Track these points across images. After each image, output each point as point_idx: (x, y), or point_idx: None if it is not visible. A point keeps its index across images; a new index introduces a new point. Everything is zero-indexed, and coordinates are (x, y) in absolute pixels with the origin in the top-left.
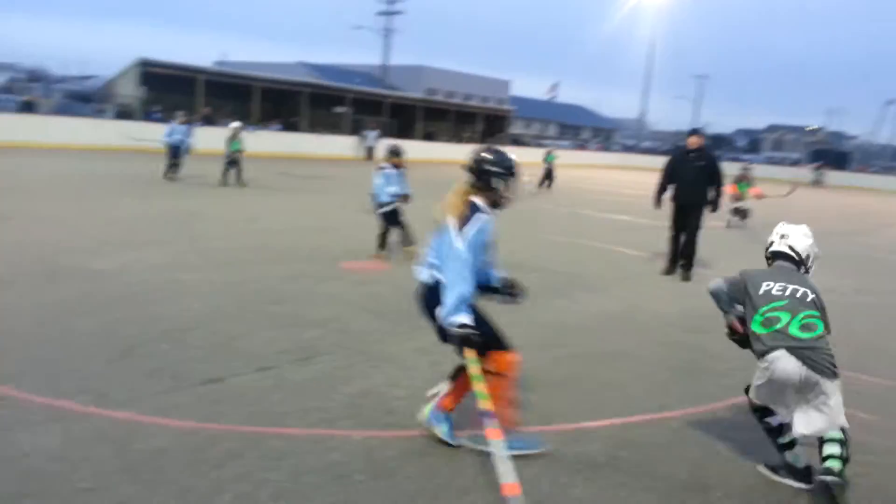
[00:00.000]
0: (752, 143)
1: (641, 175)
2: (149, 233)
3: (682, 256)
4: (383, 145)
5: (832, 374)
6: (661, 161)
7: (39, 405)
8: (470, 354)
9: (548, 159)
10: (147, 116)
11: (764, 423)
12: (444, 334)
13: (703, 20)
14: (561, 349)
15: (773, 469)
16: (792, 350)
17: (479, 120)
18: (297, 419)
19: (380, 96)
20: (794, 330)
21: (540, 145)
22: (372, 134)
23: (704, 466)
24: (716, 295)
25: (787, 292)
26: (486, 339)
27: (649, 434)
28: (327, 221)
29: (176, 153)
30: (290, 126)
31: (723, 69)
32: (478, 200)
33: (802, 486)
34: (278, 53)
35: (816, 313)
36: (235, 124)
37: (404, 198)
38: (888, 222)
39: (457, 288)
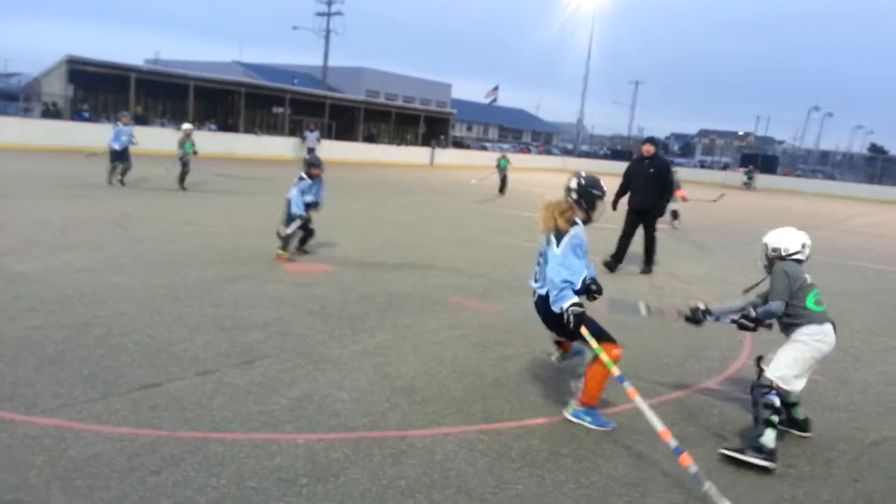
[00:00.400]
0: (684, 148)
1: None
2: (80, 234)
3: (644, 254)
4: (323, 146)
5: None
6: (598, 165)
7: None
8: (585, 331)
9: (501, 165)
10: (75, 116)
11: (765, 399)
12: (564, 329)
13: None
14: (504, 349)
15: (739, 450)
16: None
17: (421, 122)
18: (238, 424)
19: (320, 97)
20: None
21: (483, 148)
22: (312, 135)
23: (644, 458)
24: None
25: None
26: (596, 331)
27: (591, 430)
28: (267, 223)
29: (123, 156)
30: (226, 126)
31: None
32: (577, 216)
33: (769, 465)
34: (213, 53)
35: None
36: (187, 126)
37: (315, 205)
38: (815, 223)
39: (563, 280)
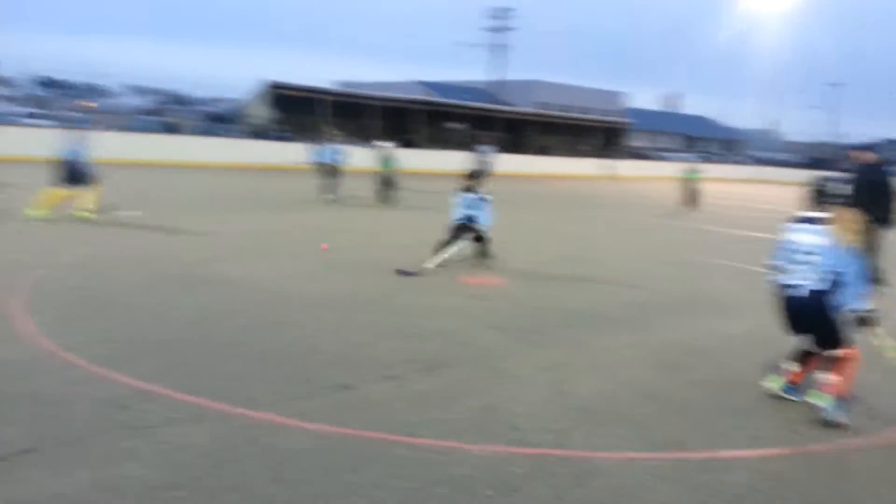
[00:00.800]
0: None
1: (776, 189)
2: (282, 244)
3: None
4: (498, 160)
5: None
6: (798, 174)
7: (185, 404)
8: (869, 332)
9: (691, 177)
10: (277, 137)
11: None
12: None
13: (839, 24)
14: (690, 372)
15: None
16: None
17: (595, 133)
18: (423, 429)
19: (493, 112)
20: None
21: (662, 158)
22: (486, 149)
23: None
24: None
25: None
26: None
27: (794, 469)
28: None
29: (333, 173)
30: (407, 143)
31: (861, 76)
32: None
33: None
34: (396, 73)
35: None
36: (385, 144)
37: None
38: None
39: (859, 285)
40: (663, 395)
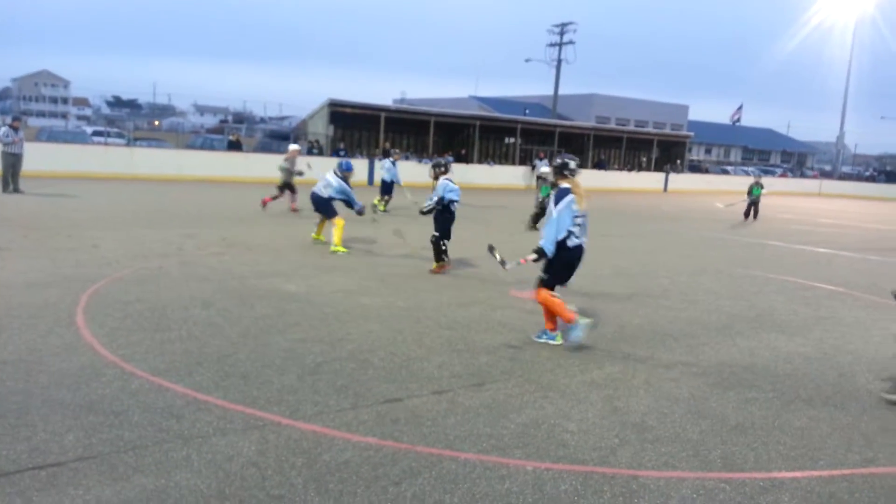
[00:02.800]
0: None
1: (841, 203)
2: (338, 258)
3: None
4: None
5: None
6: (865, 188)
7: (239, 414)
8: None
9: (754, 192)
10: (334, 152)
11: None
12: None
13: None
14: (748, 390)
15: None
16: None
17: (654, 146)
18: (470, 444)
19: (549, 126)
20: None
21: (724, 171)
22: (542, 163)
23: None
24: None
25: None
26: None
27: (853, 491)
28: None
29: (389, 189)
30: (460, 158)
31: None
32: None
33: None
34: (452, 89)
35: None
36: (545, 168)
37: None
38: None
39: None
40: (718, 413)
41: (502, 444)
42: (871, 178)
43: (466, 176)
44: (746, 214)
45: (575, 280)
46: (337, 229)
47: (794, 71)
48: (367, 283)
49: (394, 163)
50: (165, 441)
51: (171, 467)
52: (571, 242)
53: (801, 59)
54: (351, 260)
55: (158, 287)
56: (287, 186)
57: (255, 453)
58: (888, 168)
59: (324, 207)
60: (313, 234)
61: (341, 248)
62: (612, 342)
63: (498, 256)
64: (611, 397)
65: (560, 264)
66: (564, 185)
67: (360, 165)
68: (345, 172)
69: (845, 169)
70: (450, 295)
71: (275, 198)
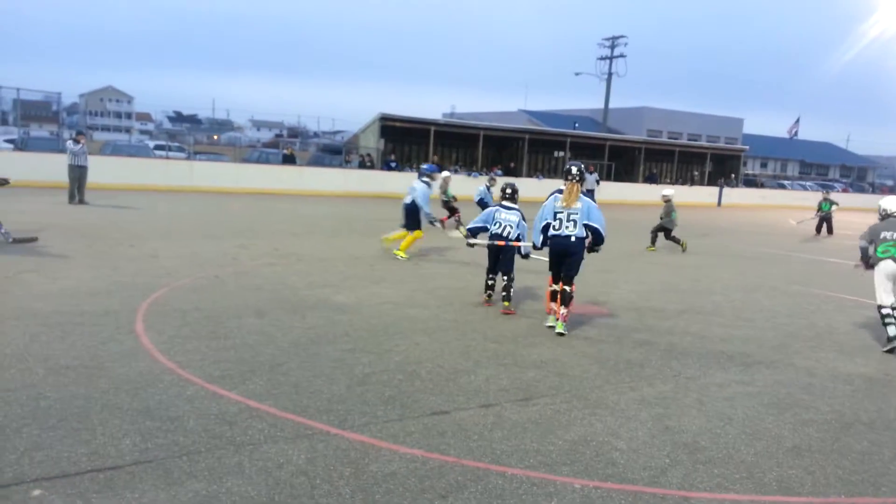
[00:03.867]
0: None
1: None
2: (386, 270)
3: None
4: (602, 188)
5: None
6: None
7: (290, 422)
8: None
9: (823, 208)
10: (384, 166)
11: (881, 312)
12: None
13: None
14: (805, 412)
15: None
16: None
17: (707, 160)
18: (516, 459)
19: (599, 139)
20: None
21: (780, 186)
22: (591, 177)
23: None
24: (863, 249)
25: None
26: None
27: None
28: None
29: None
30: (509, 171)
31: None
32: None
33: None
34: (501, 103)
35: None
36: (669, 192)
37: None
38: None
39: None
40: (774, 434)
41: (549, 460)
42: None
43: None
44: (818, 230)
45: (626, 295)
46: (410, 237)
47: (853, 83)
48: (415, 294)
49: (489, 187)
50: (218, 447)
51: (224, 473)
52: (551, 233)
53: (859, 71)
54: (399, 272)
55: (214, 296)
56: (449, 209)
57: (304, 461)
58: None
59: (413, 217)
60: (385, 237)
61: (403, 255)
62: (662, 360)
63: (459, 233)
64: (661, 416)
65: (550, 253)
66: (561, 187)
67: (409, 179)
68: (430, 175)
69: None
70: (496, 308)
71: (450, 217)
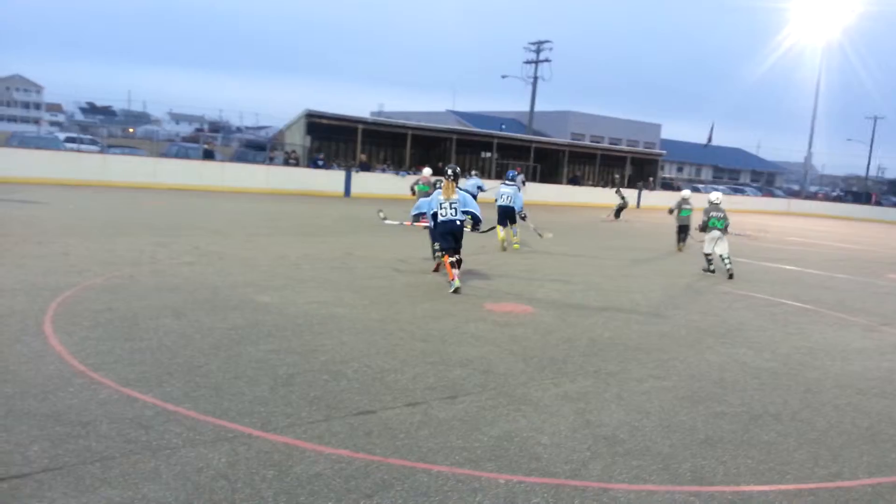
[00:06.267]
0: None
1: (809, 222)
2: (311, 269)
3: None
4: (528, 188)
5: (725, 233)
6: (832, 208)
7: (210, 425)
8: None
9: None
10: (311, 163)
11: (707, 257)
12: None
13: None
14: (717, 405)
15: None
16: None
17: (627, 163)
18: (443, 457)
19: (525, 141)
20: (720, 224)
21: (695, 189)
22: (518, 178)
23: None
24: (703, 222)
25: (722, 214)
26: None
27: None
28: (478, 262)
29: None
30: (437, 171)
31: None
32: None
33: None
34: (429, 103)
35: (724, 217)
36: (686, 193)
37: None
38: None
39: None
40: (688, 426)
41: (475, 456)
42: (839, 198)
43: None
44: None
45: (549, 294)
46: (510, 234)
47: (765, 92)
48: (342, 294)
49: (518, 184)
50: (133, 452)
51: (139, 479)
52: (440, 218)
53: (771, 81)
54: (325, 272)
55: (129, 296)
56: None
57: (224, 465)
58: (854, 188)
59: (511, 216)
60: (507, 240)
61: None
62: (584, 356)
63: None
64: (583, 410)
65: (438, 232)
66: (442, 184)
67: (337, 177)
68: (513, 180)
69: (813, 188)
70: (424, 307)
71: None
